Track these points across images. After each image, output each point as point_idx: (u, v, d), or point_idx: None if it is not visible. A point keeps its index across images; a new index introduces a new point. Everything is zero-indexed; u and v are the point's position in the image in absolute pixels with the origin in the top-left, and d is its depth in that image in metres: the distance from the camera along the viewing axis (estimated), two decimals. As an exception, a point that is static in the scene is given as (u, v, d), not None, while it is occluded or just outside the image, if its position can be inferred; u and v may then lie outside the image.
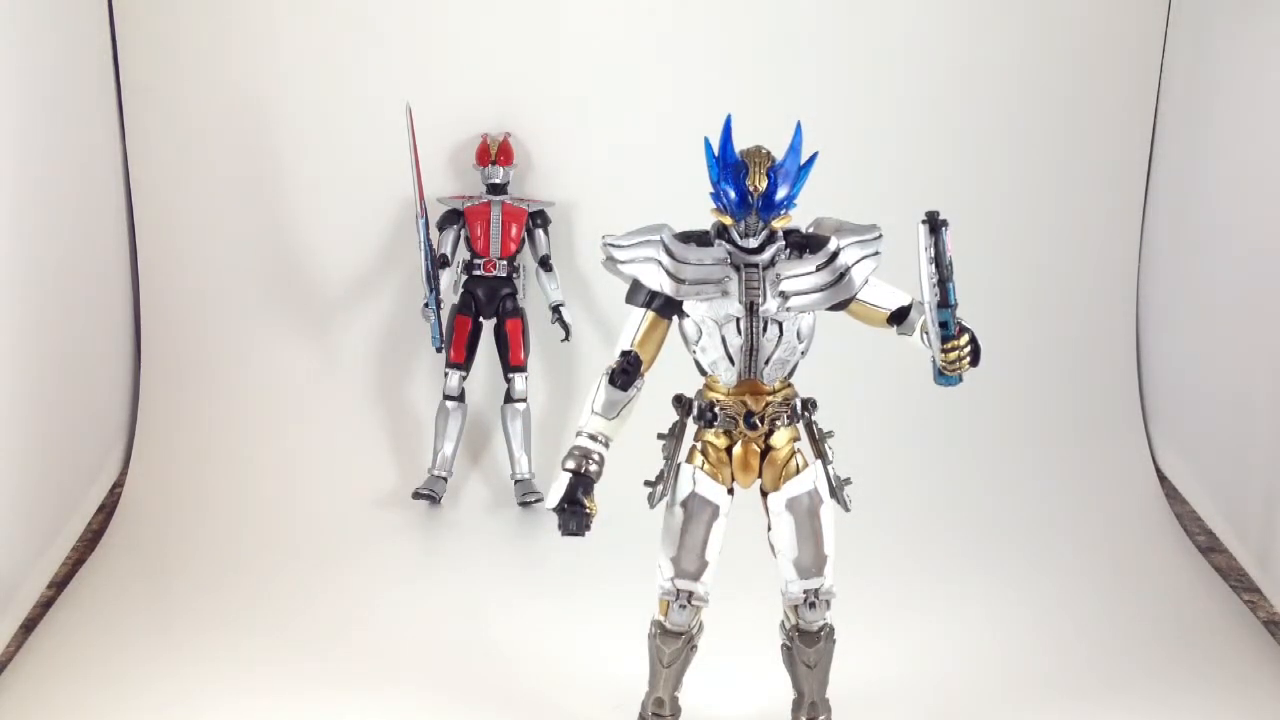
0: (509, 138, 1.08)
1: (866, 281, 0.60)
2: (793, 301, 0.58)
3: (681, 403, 0.62)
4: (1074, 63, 1.12)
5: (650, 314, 0.60)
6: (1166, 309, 1.13)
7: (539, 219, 1.08)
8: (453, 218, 1.07)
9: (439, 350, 1.04)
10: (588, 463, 0.57)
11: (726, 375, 0.60)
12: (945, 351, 0.56)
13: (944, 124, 1.09)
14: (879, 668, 0.78)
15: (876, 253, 0.60)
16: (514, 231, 1.07)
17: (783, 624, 0.64)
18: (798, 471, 0.60)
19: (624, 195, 1.12)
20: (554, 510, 0.55)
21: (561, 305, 1.07)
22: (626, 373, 0.57)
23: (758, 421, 0.59)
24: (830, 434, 0.61)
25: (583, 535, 0.55)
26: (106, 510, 1.02)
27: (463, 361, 1.07)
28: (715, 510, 0.59)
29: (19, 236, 0.87)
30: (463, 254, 1.07)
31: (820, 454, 0.62)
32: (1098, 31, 1.11)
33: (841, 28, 1.10)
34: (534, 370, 1.09)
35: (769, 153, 0.60)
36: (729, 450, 0.60)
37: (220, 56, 1.08)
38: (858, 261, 0.59)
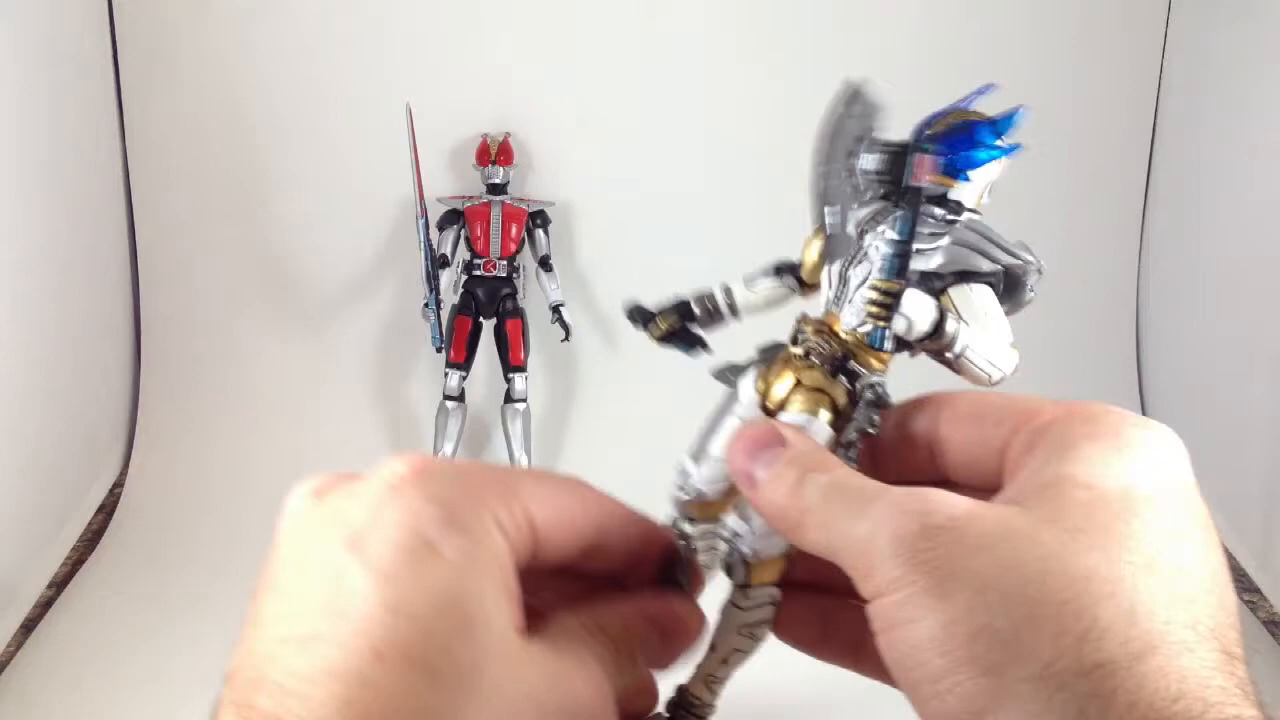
0: (509, 138, 1.07)
1: None
2: None
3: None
4: (1073, 63, 1.12)
5: None
6: (1166, 309, 1.13)
7: (539, 219, 1.08)
8: (453, 218, 1.07)
9: (439, 350, 1.04)
10: (705, 302, 0.51)
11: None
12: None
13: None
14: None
15: None
16: (514, 231, 1.07)
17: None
18: (800, 412, 0.51)
19: (624, 195, 1.11)
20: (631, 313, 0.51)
21: (561, 305, 1.06)
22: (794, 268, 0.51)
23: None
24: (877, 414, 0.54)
25: (677, 343, 0.50)
26: (106, 510, 1.02)
27: (463, 361, 1.06)
28: (738, 397, 0.51)
29: (18, 237, 0.87)
30: (463, 254, 1.07)
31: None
32: (1097, 31, 1.11)
33: (840, 28, 1.10)
34: (534, 370, 1.09)
35: None
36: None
37: (220, 57, 1.08)
38: None
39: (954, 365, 0.39)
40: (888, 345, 0.39)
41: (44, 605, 0.88)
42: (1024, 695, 0.26)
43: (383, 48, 1.09)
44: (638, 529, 0.36)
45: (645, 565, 0.37)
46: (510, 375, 1.07)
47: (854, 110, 0.41)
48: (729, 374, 0.46)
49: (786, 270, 0.46)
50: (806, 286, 0.46)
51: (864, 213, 0.42)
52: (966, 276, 0.39)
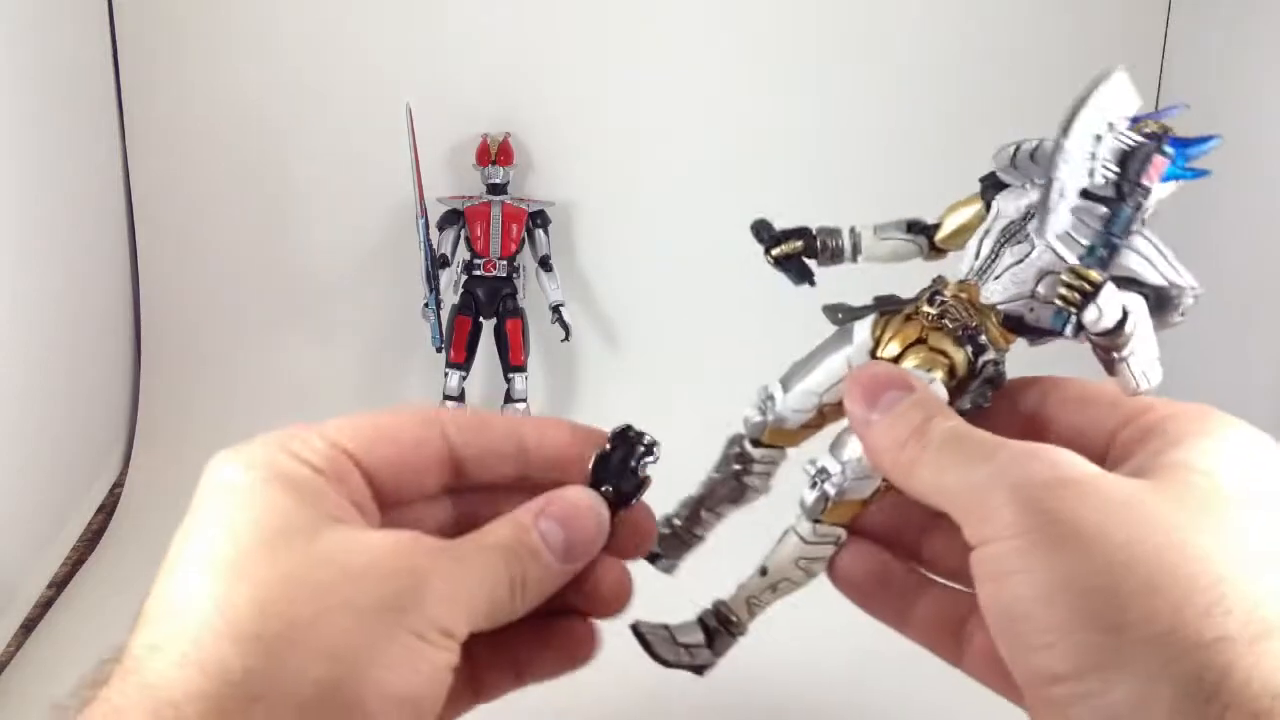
0: (509, 138, 1.08)
1: None
2: None
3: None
4: (1073, 63, 1.12)
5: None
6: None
7: (539, 219, 1.08)
8: (453, 218, 1.07)
9: (439, 350, 1.04)
10: (829, 238, 0.46)
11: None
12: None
13: (941, 123, 1.09)
14: (871, 658, 0.78)
15: None
16: (514, 231, 1.07)
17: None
18: (918, 367, 0.43)
19: (624, 195, 1.12)
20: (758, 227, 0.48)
21: (561, 305, 1.06)
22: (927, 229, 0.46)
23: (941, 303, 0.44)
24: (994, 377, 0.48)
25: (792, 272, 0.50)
26: (106, 510, 1.02)
27: (463, 362, 1.06)
28: (849, 339, 0.45)
29: (18, 237, 0.87)
30: (463, 254, 1.07)
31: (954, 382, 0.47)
32: (1097, 31, 1.11)
33: (840, 28, 1.10)
34: (534, 370, 1.09)
35: None
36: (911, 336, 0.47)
37: (220, 56, 1.08)
38: None
39: (1112, 365, 0.39)
40: (1068, 331, 0.39)
41: (44, 605, 0.88)
42: (1140, 657, 0.25)
43: (383, 48, 1.09)
44: (536, 434, 0.40)
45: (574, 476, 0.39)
46: (510, 375, 1.07)
47: (1108, 94, 0.42)
48: (840, 314, 0.45)
49: (920, 229, 0.45)
50: (934, 250, 0.46)
51: (1034, 197, 0.42)
52: (1128, 284, 0.38)
